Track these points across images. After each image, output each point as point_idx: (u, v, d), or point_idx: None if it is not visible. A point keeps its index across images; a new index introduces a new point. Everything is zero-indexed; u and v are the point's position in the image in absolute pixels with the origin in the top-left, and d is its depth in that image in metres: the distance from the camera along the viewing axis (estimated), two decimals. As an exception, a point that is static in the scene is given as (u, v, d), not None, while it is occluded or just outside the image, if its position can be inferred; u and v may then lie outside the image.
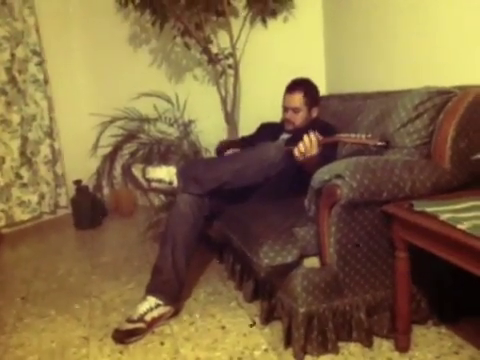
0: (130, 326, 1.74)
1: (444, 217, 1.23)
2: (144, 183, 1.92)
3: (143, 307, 1.78)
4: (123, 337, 1.72)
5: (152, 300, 1.80)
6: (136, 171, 1.93)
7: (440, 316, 1.64)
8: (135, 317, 1.76)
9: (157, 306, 1.79)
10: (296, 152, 1.75)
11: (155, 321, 1.78)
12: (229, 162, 1.99)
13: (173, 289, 1.84)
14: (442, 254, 1.24)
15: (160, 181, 1.92)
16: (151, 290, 1.83)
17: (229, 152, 2.31)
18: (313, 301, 1.50)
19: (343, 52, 2.82)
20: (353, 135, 1.66)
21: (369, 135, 1.62)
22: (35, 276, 2.48)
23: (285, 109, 2.28)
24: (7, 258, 2.84)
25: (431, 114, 1.61)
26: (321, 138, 1.73)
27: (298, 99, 2.23)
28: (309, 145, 1.72)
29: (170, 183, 1.91)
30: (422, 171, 1.49)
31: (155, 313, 1.78)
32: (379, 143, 1.58)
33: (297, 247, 1.53)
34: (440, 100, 1.61)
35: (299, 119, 2.23)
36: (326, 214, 1.50)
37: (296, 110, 2.23)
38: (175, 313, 1.88)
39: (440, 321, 1.64)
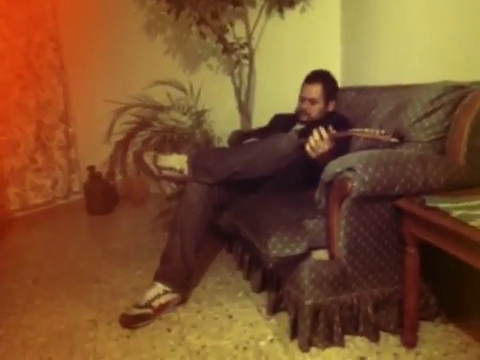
0: (137, 311, 1.76)
1: (456, 214, 1.21)
2: (155, 171, 1.93)
3: (151, 293, 1.80)
4: (130, 322, 1.74)
5: (160, 287, 1.81)
6: (147, 158, 1.93)
7: (449, 313, 1.62)
8: (143, 303, 1.78)
9: (165, 293, 1.81)
10: (308, 148, 1.70)
11: (162, 307, 1.80)
12: (240, 152, 1.98)
13: (181, 277, 1.85)
14: (453, 251, 1.22)
15: (171, 169, 1.92)
16: (159, 277, 1.84)
17: (249, 141, 2.30)
18: (320, 294, 1.50)
19: (360, 44, 2.78)
20: (366, 130, 1.63)
21: (383, 131, 1.58)
22: (47, 260, 2.51)
23: (302, 99, 2.26)
24: (20, 241, 2.88)
25: (447, 109, 1.59)
26: (334, 132, 1.70)
27: (316, 90, 2.21)
28: (320, 140, 1.67)
29: (181, 171, 1.91)
30: (436, 167, 1.47)
31: (162, 300, 1.80)
32: (392, 139, 1.55)
33: (306, 239, 1.53)
34: (457, 95, 1.58)
35: (315, 110, 2.21)
36: (336, 207, 1.50)
37: (313, 101, 2.21)
38: (182, 301, 1.89)
39: (448, 318, 1.62)
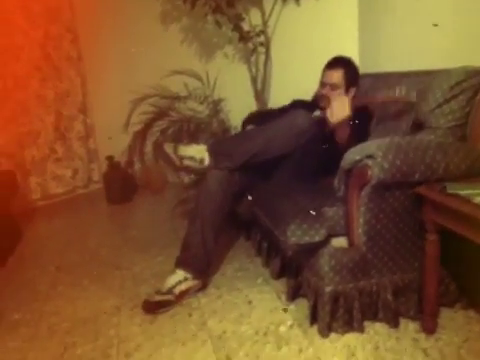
0: (159, 298, 1.80)
1: (477, 200, 1.20)
2: (176, 160, 1.95)
3: (172, 280, 1.83)
4: (153, 308, 1.78)
5: (181, 273, 1.84)
6: (168, 148, 1.96)
7: (469, 300, 1.62)
8: (164, 289, 1.81)
9: (185, 279, 1.84)
10: (328, 113, 1.80)
11: (183, 294, 1.83)
12: (257, 134, 1.99)
13: (201, 263, 1.88)
14: (473, 237, 1.22)
15: (191, 158, 1.93)
16: (180, 264, 1.88)
17: (249, 127, 2.30)
18: (340, 280, 1.51)
19: (378, 30, 2.74)
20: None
21: (403, 93, 1.60)
22: (68, 247, 2.57)
23: (323, 85, 2.24)
24: (42, 229, 2.94)
25: (468, 95, 1.57)
26: (353, 98, 1.80)
27: (338, 76, 2.18)
28: (341, 106, 1.76)
29: (201, 161, 1.93)
30: (456, 153, 1.46)
31: (183, 286, 1.83)
32: (412, 100, 1.58)
33: (325, 226, 1.53)
34: (477, 81, 1.56)
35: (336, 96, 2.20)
36: (356, 195, 1.50)
37: (334, 87, 2.18)
38: (203, 287, 1.93)
39: (469, 305, 1.62)
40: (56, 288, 2.07)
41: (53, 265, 2.32)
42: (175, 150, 1.94)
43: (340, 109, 1.77)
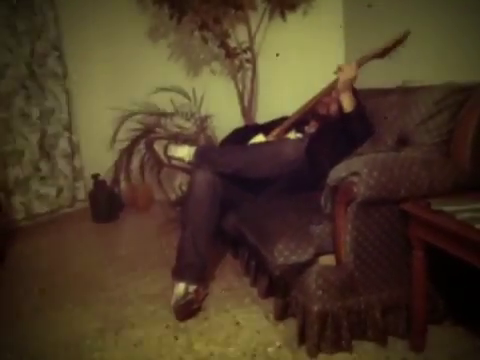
0: (183, 301, 1.79)
1: (462, 217, 1.20)
2: (164, 159, 1.98)
3: (180, 288, 1.83)
4: (184, 309, 1.78)
5: (182, 285, 1.83)
6: (158, 147, 2.00)
7: (457, 316, 1.61)
8: (182, 293, 1.80)
9: (187, 288, 1.84)
10: (338, 72, 1.96)
11: (198, 292, 1.85)
12: (245, 151, 2.02)
13: (197, 270, 1.87)
14: (459, 254, 1.21)
15: (180, 160, 2.00)
16: (176, 274, 1.87)
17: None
18: (328, 299, 1.49)
19: (364, 46, 2.76)
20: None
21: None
22: (52, 268, 2.51)
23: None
24: (25, 250, 2.87)
25: (452, 111, 1.58)
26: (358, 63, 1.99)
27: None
28: (350, 69, 1.96)
29: (190, 163, 1.98)
30: (441, 169, 1.46)
31: (191, 289, 1.83)
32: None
33: (313, 245, 1.52)
34: (462, 96, 1.58)
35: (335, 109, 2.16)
36: (342, 212, 1.49)
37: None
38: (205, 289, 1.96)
39: (457, 321, 1.61)
40: (39, 311, 2.01)
41: (36, 287, 2.26)
42: (165, 150, 1.97)
43: (348, 71, 1.93)
